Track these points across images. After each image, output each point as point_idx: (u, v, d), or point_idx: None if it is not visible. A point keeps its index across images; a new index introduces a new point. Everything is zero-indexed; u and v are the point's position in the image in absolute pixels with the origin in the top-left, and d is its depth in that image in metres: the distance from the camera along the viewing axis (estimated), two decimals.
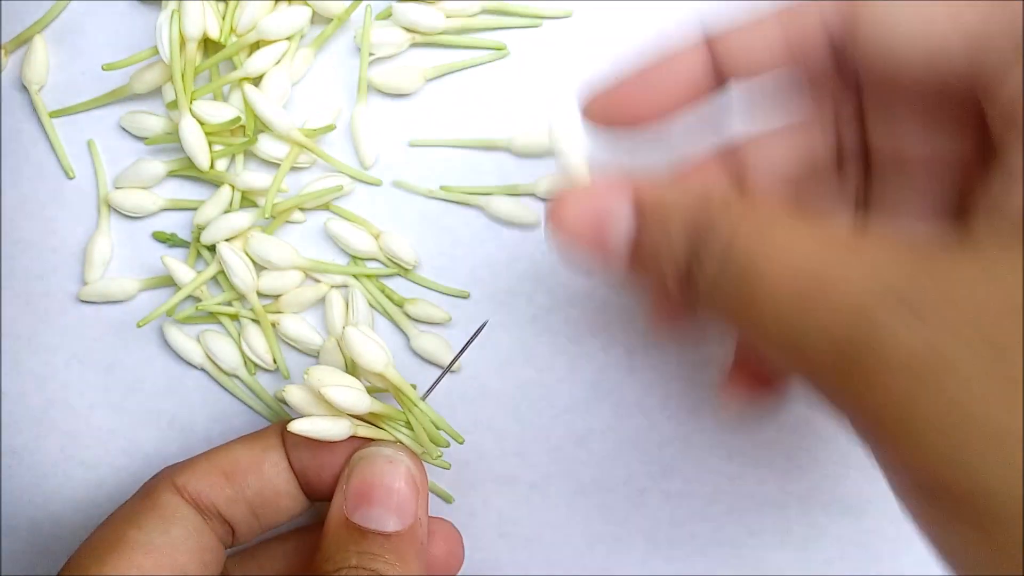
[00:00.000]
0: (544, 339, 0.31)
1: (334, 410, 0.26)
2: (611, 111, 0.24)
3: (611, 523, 0.32)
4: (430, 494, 0.31)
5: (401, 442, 0.28)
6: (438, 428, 0.28)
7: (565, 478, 0.32)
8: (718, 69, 0.24)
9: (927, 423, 0.16)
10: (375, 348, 0.27)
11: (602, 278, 0.24)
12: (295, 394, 0.27)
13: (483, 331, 0.29)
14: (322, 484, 0.27)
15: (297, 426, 0.26)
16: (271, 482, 0.27)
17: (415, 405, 0.28)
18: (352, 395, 0.26)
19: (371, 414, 0.27)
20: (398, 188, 0.32)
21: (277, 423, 0.28)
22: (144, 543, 0.25)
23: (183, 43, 0.30)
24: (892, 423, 0.16)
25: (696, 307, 0.21)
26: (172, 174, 0.32)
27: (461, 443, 0.28)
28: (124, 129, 0.32)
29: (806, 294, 0.18)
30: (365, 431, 0.27)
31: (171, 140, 0.31)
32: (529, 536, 0.32)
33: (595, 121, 0.24)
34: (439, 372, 0.31)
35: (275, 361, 0.31)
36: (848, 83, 0.24)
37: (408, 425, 0.28)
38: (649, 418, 0.31)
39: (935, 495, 0.17)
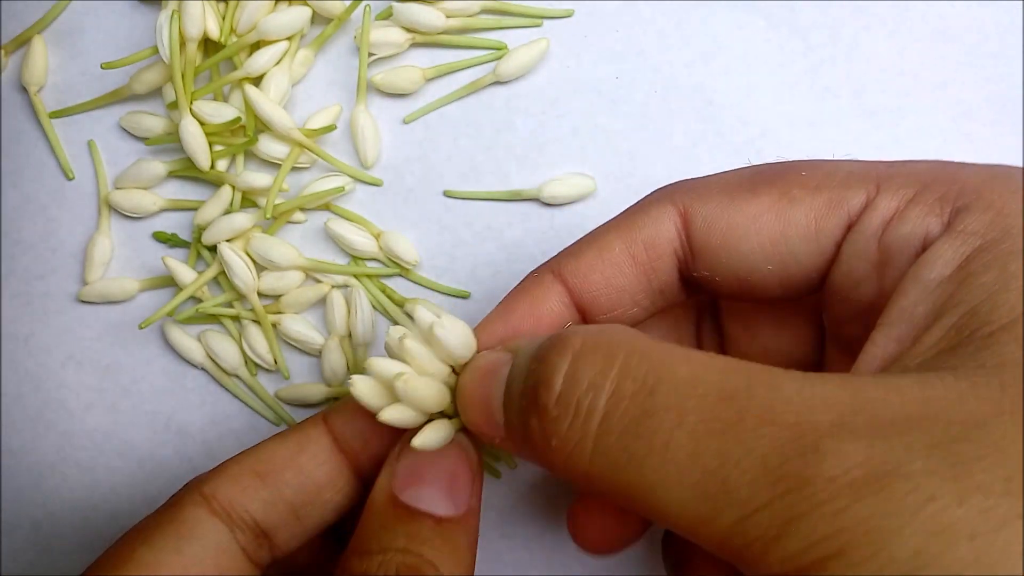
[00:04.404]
0: None
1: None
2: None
3: None
4: None
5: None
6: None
7: None
8: (581, 311, 0.23)
9: (890, 533, 0.15)
10: (466, 332, 0.23)
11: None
12: (367, 394, 0.23)
13: None
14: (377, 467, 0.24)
15: (392, 416, 0.22)
16: (311, 476, 0.24)
17: None
18: (441, 434, 0.23)
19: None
20: (398, 188, 0.32)
21: (318, 413, 0.25)
22: (152, 563, 0.22)
23: (183, 43, 0.30)
24: (843, 539, 0.15)
25: (560, 458, 0.19)
26: (172, 174, 0.32)
27: (513, 468, 0.26)
28: (124, 129, 0.32)
29: (723, 418, 0.17)
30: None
31: (171, 140, 0.31)
32: (530, 535, 0.32)
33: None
34: None
35: (276, 362, 0.31)
36: (692, 287, 0.24)
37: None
38: None
39: None
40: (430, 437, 0.22)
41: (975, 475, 0.15)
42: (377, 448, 0.24)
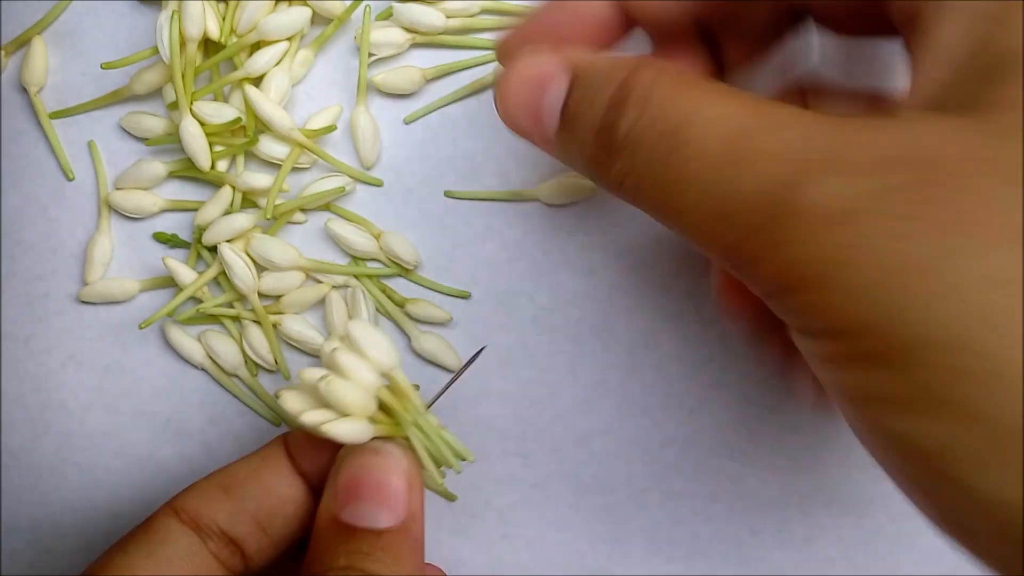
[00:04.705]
0: (545, 339, 0.31)
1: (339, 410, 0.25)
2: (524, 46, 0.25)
3: (612, 523, 0.32)
4: (432, 493, 0.31)
5: (401, 440, 0.26)
6: (447, 445, 0.26)
7: (566, 478, 0.32)
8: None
9: (851, 264, 0.17)
10: (385, 343, 0.25)
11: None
12: (291, 401, 0.25)
13: (480, 333, 0.29)
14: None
15: (311, 418, 0.24)
16: (272, 490, 0.26)
17: (418, 418, 0.26)
18: (355, 427, 0.24)
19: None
20: (398, 188, 0.32)
21: (280, 436, 0.27)
22: (126, 566, 0.24)
23: (183, 43, 0.30)
24: (815, 265, 0.17)
25: (613, 180, 0.21)
26: (173, 175, 0.32)
27: (472, 461, 0.27)
28: (124, 130, 0.32)
29: (735, 152, 0.19)
30: (386, 430, 0.26)
31: (172, 141, 0.31)
32: (531, 537, 0.32)
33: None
34: (441, 373, 0.31)
35: (276, 362, 0.31)
36: None
37: (407, 440, 0.26)
38: (650, 417, 0.31)
39: (849, 336, 0.17)
40: (344, 428, 0.24)
41: (939, 215, 0.16)
42: (325, 470, 0.26)
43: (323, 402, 0.24)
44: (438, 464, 0.26)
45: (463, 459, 0.26)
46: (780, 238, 0.18)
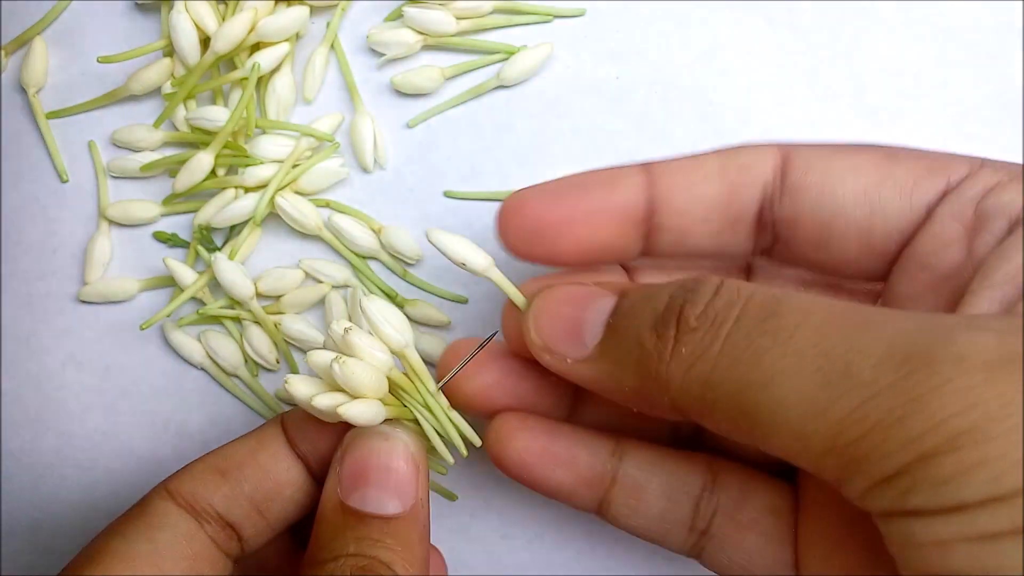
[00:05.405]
0: None
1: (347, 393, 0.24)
2: (535, 218, 0.24)
3: None
4: (432, 493, 0.31)
5: (407, 423, 0.25)
6: (456, 428, 0.25)
7: None
8: (653, 204, 0.23)
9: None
10: (400, 320, 0.25)
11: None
12: (300, 386, 0.24)
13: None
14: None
15: (323, 401, 0.23)
16: (270, 472, 0.25)
17: (428, 399, 0.25)
18: (370, 409, 0.24)
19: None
20: (399, 188, 0.32)
21: (276, 416, 0.27)
22: (124, 552, 0.23)
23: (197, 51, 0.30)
24: (974, 420, 0.15)
25: (675, 370, 0.20)
26: (173, 174, 0.32)
27: (479, 446, 0.26)
28: (119, 138, 0.32)
29: (855, 321, 0.17)
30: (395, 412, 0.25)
31: (167, 164, 0.31)
32: (531, 537, 0.32)
33: (514, 228, 0.24)
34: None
35: (278, 360, 0.31)
36: (764, 231, 0.24)
37: (415, 423, 0.25)
38: None
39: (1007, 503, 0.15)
40: (359, 409, 0.23)
41: None
42: (325, 452, 0.25)
43: (333, 385, 0.24)
44: (447, 446, 0.25)
45: (471, 443, 0.26)
46: (921, 392, 0.15)
